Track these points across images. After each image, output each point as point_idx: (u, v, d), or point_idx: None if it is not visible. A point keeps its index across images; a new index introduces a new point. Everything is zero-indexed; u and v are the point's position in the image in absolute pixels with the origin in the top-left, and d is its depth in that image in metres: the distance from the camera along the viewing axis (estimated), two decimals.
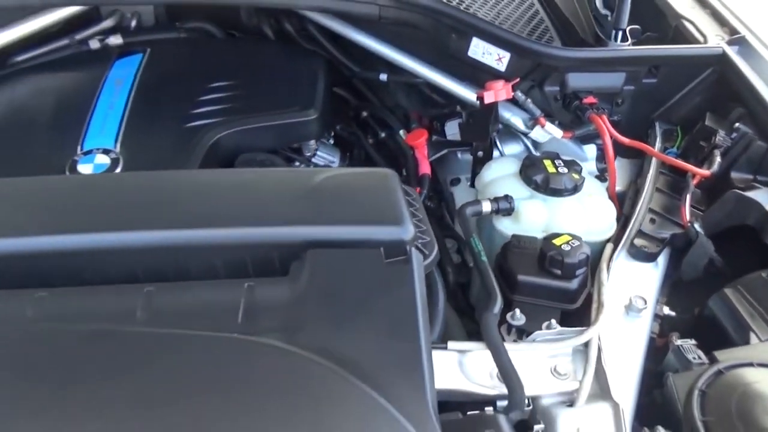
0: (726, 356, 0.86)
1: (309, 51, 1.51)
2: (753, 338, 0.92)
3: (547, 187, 1.17)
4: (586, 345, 0.91)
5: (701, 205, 1.19)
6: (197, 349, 0.67)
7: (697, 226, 1.11)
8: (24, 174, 0.98)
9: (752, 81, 1.22)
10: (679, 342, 0.91)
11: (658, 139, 1.34)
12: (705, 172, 1.18)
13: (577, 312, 1.04)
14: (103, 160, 1.12)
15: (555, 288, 1.03)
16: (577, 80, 1.31)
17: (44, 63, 1.39)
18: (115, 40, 1.45)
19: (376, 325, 0.70)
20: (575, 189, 1.18)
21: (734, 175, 1.20)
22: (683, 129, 1.34)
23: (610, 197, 1.26)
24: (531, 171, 1.19)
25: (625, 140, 1.28)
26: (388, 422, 0.62)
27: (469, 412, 0.79)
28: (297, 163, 1.32)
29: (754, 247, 1.10)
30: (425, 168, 1.35)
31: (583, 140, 1.39)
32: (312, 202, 0.82)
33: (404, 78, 1.46)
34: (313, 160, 1.37)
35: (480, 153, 1.37)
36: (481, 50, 1.29)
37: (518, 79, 1.30)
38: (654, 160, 1.27)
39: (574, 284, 1.03)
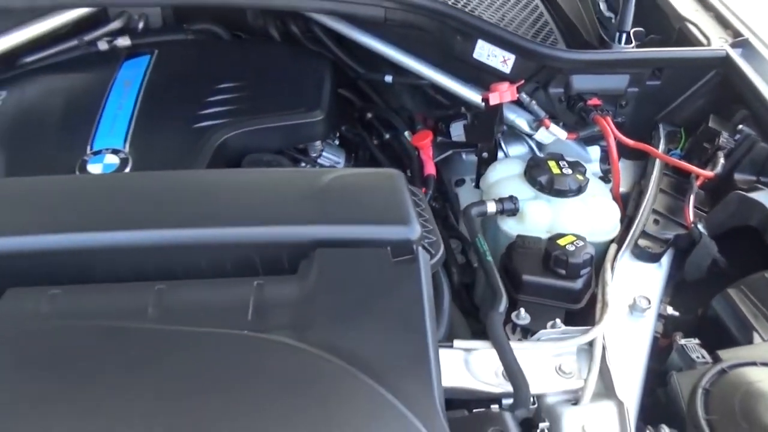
0: (729, 355, 0.87)
1: (315, 52, 1.53)
2: (756, 338, 0.93)
3: (552, 188, 1.18)
4: (591, 344, 0.92)
5: (705, 207, 1.20)
6: (208, 345, 0.68)
7: (700, 227, 1.12)
8: (35, 173, 1.00)
9: (755, 83, 1.23)
10: (682, 341, 0.92)
11: (662, 141, 1.34)
12: (708, 173, 1.19)
13: (582, 312, 1.05)
14: (113, 160, 1.14)
15: (559, 288, 1.04)
16: (581, 82, 1.32)
17: (54, 64, 1.40)
18: (124, 41, 1.47)
19: (384, 323, 0.71)
20: (579, 190, 1.18)
21: (737, 176, 1.21)
22: (687, 131, 1.34)
23: (614, 198, 1.26)
24: (535, 172, 1.20)
25: (629, 142, 1.28)
26: (396, 418, 0.63)
27: (474, 410, 0.80)
28: (303, 164, 1.34)
29: (757, 248, 1.11)
30: (430, 169, 1.36)
31: (587, 142, 1.40)
32: (320, 202, 0.83)
33: (409, 80, 1.47)
34: (319, 160, 1.38)
35: (485, 154, 1.38)
36: (486, 52, 1.30)
37: (523, 81, 1.31)
38: (658, 162, 1.28)
39: (578, 284, 1.04)
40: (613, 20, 1.42)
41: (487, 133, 1.34)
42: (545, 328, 0.94)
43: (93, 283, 0.75)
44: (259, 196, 0.86)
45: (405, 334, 0.71)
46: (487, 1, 1.41)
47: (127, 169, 1.13)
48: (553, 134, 1.33)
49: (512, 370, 0.84)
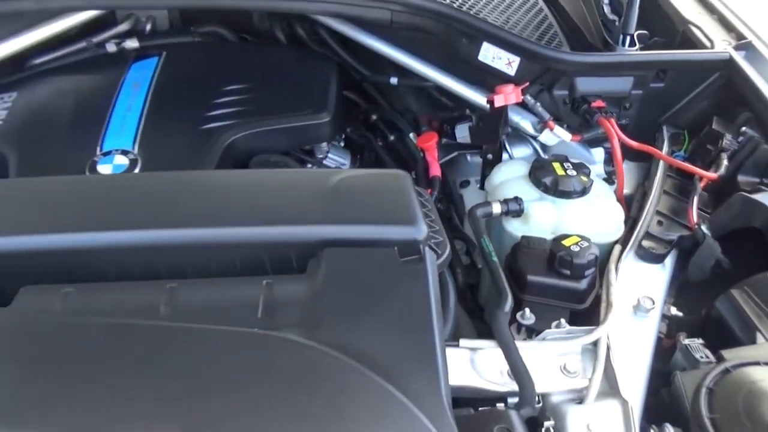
0: (733, 355, 0.88)
1: (320, 55, 1.54)
2: (759, 338, 0.94)
3: (556, 190, 1.18)
4: (595, 344, 0.92)
5: (708, 208, 1.21)
6: (219, 342, 0.68)
7: (704, 228, 1.13)
8: (45, 174, 1.01)
9: (759, 86, 1.24)
10: (686, 341, 0.93)
11: (666, 143, 1.35)
12: (712, 175, 1.20)
13: (586, 312, 1.05)
14: (122, 160, 1.15)
15: (564, 288, 1.04)
16: (585, 84, 1.33)
17: (63, 66, 1.41)
18: (132, 43, 1.48)
19: (392, 322, 0.72)
20: (584, 191, 1.19)
21: (741, 178, 1.21)
22: (690, 133, 1.35)
23: (618, 200, 1.27)
24: (540, 173, 1.21)
25: (634, 143, 1.29)
26: (404, 415, 0.63)
27: (480, 408, 0.81)
28: (309, 165, 1.35)
29: (761, 249, 1.11)
30: (436, 170, 1.37)
31: (591, 143, 1.41)
32: (328, 203, 0.84)
33: (414, 82, 1.48)
34: (325, 162, 1.39)
35: (489, 156, 1.39)
36: (491, 54, 1.31)
37: (528, 83, 1.32)
38: (661, 163, 1.29)
39: (583, 284, 1.04)
40: (616, 23, 1.42)
41: (492, 134, 1.35)
42: (550, 327, 0.95)
43: (105, 281, 0.76)
44: (268, 197, 0.87)
45: (412, 333, 0.71)
46: (492, 4, 1.43)
47: (137, 170, 1.14)
48: (557, 136, 1.34)
49: (518, 369, 0.85)
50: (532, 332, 1.00)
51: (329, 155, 1.40)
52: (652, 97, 1.36)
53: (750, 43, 1.34)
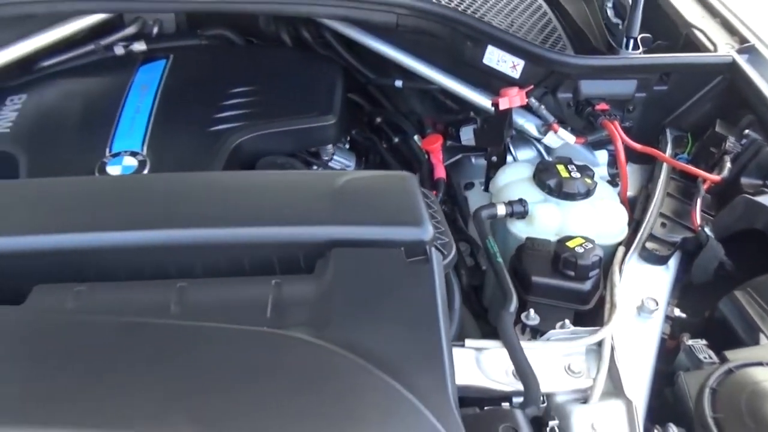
0: (736, 356, 0.88)
1: (326, 57, 1.55)
2: (762, 339, 0.94)
3: (561, 191, 1.19)
4: (600, 344, 0.93)
5: (711, 210, 1.21)
6: (229, 341, 0.69)
7: (707, 230, 1.13)
8: (55, 175, 1.02)
9: (762, 89, 1.24)
10: (690, 342, 0.93)
11: (669, 145, 1.36)
12: (716, 177, 1.20)
13: (590, 313, 1.06)
14: (131, 162, 1.16)
15: (568, 289, 1.05)
16: (589, 87, 1.33)
17: (72, 68, 1.43)
18: (139, 46, 1.50)
19: (399, 321, 0.73)
20: (588, 193, 1.20)
21: (744, 180, 1.22)
22: (694, 135, 1.36)
23: (622, 202, 1.28)
24: (544, 175, 1.21)
25: (637, 146, 1.30)
26: (411, 413, 0.64)
27: (486, 407, 0.82)
28: (315, 167, 1.36)
29: (764, 251, 1.12)
30: (440, 172, 1.38)
31: (595, 146, 1.42)
32: (336, 204, 0.85)
33: (419, 84, 1.49)
34: (330, 164, 1.40)
35: (494, 158, 1.40)
36: (496, 58, 1.32)
37: (532, 86, 1.33)
38: (665, 166, 1.30)
39: (587, 285, 1.05)
40: (620, 26, 1.44)
41: (497, 137, 1.36)
42: (554, 328, 0.96)
43: (116, 280, 0.77)
44: (276, 198, 0.88)
45: (419, 332, 0.72)
46: (497, 8, 1.44)
47: (145, 171, 1.15)
48: (561, 138, 1.35)
49: (523, 369, 0.85)
50: (536, 333, 1.01)
51: (334, 157, 1.41)
52: (655, 100, 1.36)
53: (753, 47, 1.35)
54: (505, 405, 0.85)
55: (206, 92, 1.35)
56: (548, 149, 1.41)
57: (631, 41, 1.36)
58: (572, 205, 1.19)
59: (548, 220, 1.18)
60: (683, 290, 1.13)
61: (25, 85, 1.37)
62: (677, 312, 1.06)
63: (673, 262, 1.13)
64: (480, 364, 0.89)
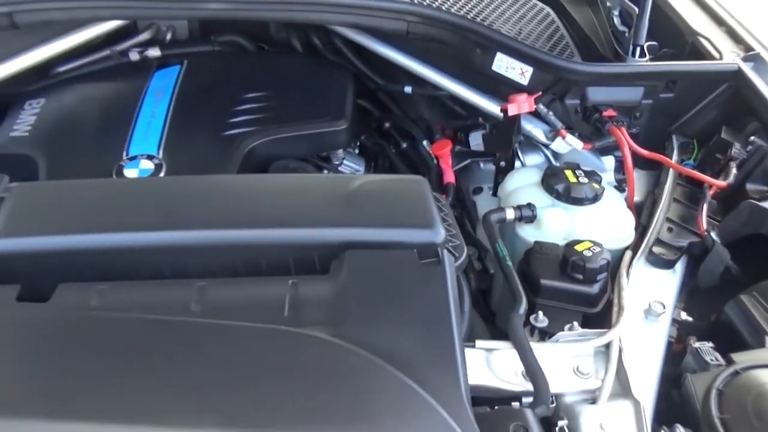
0: (742, 358, 0.90)
1: (336, 63, 1.57)
2: None
3: (569, 196, 1.21)
4: (608, 346, 0.95)
5: (717, 215, 1.23)
6: (247, 338, 0.71)
7: (713, 235, 1.15)
8: (74, 178, 1.05)
9: (767, 96, 1.26)
10: (697, 344, 0.95)
11: (675, 152, 1.37)
12: (721, 183, 1.22)
13: (598, 316, 1.08)
14: (148, 165, 1.19)
15: (577, 292, 1.07)
16: (596, 94, 1.35)
17: (89, 73, 1.45)
18: (154, 52, 1.52)
19: (412, 321, 0.75)
20: (595, 198, 1.22)
21: (749, 186, 1.23)
22: (700, 142, 1.37)
23: (629, 207, 1.29)
24: (553, 180, 1.23)
25: (644, 152, 1.32)
26: (425, 410, 0.66)
27: (497, 406, 0.84)
28: (325, 171, 1.38)
29: None
30: (450, 177, 1.40)
31: (602, 152, 1.43)
32: (350, 206, 0.87)
33: (428, 90, 1.51)
34: (340, 168, 1.42)
35: (502, 163, 1.42)
36: (504, 65, 1.34)
37: (540, 93, 1.35)
38: (671, 172, 1.31)
39: (595, 288, 1.07)
40: (627, 34, 1.45)
41: (505, 142, 1.38)
42: (563, 330, 0.97)
43: (138, 280, 0.79)
44: (292, 200, 0.90)
45: (432, 331, 0.74)
46: (506, 16, 1.46)
47: (162, 174, 1.17)
48: (569, 144, 1.37)
49: (533, 370, 0.87)
50: (545, 335, 1.03)
51: (344, 162, 1.43)
52: (661, 107, 1.38)
53: (758, 55, 1.36)
54: (515, 405, 0.86)
55: (220, 97, 1.37)
56: (556, 155, 1.43)
57: (638, 49, 1.38)
58: (580, 209, 1.21)
59: (556, 225, 1.19)
60: (690, 294, 1.14)
61: (43, 90, 1.40)
62: (684, 315, 1.07)
63: (679, 267, 1.15)
64: (490, 365, 0.91)
